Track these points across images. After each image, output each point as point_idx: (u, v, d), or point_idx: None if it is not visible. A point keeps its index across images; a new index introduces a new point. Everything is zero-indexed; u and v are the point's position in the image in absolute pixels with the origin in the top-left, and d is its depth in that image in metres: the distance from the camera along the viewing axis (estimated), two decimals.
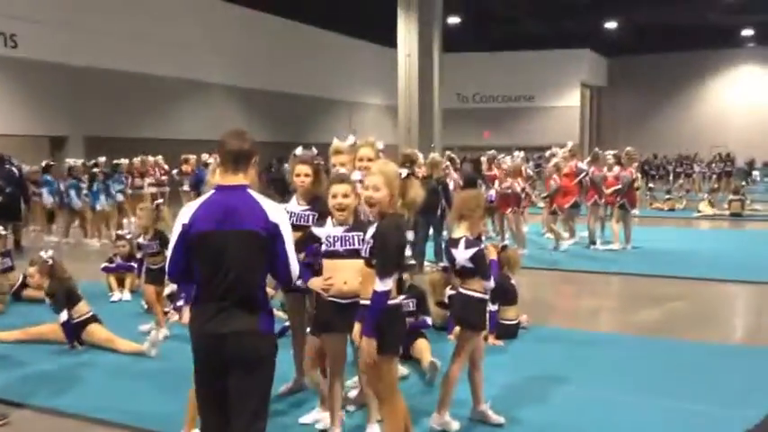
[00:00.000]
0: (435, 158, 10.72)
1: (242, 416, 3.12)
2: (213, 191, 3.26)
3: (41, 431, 4.80)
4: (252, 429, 3.14)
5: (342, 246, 4.05)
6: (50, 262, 6.48)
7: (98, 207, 14.13)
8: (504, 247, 7.02)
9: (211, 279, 3.10)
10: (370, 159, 4.70)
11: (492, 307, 6.18)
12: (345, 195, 4.12)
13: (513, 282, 6.76)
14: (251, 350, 3.11)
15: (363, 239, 3.85)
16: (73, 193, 13.90)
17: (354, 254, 3.99)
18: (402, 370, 5.35)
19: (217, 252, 3.08)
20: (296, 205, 4.74)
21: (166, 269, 3.29)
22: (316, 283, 4.08)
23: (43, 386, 5.48)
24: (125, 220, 15.00)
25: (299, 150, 4.81)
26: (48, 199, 14.26)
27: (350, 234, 4.06)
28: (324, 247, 4.11)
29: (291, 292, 4.85)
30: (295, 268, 3.23)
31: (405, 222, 3.73)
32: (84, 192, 14.07)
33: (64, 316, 6.32)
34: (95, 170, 14.58)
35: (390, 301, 3.63)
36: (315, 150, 4.90)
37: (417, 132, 23.00)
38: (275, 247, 3.14)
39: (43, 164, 15.31)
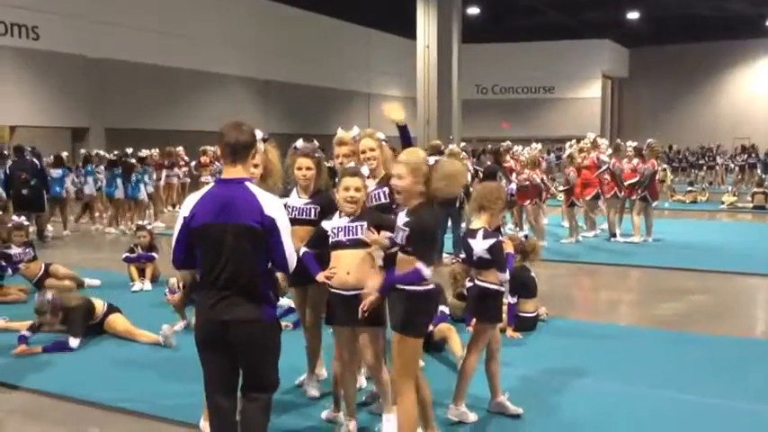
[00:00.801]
0: (454, 150, 10.71)
1: (246, 395, 3.37)
2: (213, 184, 3.38)
3: (60, 418, 4.85)
4: (255, 407, 3.38)
5: (345, 236, 4.04)
6: (58, 302, 6.31)
7: (140, 197, 14.40)
8: (525, 237, 7.01)
9: (212, 269, 3.24)
10: (372, 150, 4.60)
11: (511, 299, 6.17)
12: (357, 189, 4.10)
13: (532, 274, 6.74)
14: (254, 338, 3.27)
15: (365, 229, 3.97)
16: (119, 182, 14.21)
17: (358, 244, 4.01)
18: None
19: (216, 243, 3.21)
20: (297, 199, 4.66)
21: (171, 257, 3.41)
22: (320, 275, 4.07)
23: (63, 374, 5.56)
24: (149, 211, 15.24)
25: (299, 143, 4.72)
26: (92, 189, 14.54)
27: (354, 224, 4.05)
28: (330, 239, 4.10)
29: (296, 286, 4.83)
30: (292, 259, 3.34)
31: (433, 210, 3.81)
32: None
33: (75, 344, 6.17)
34: (133, 161, 14.82)
35: (424, 287, 3.71)
36: (316, 143, 4.82)
37: (436, 124, 22.96)
38: (271, 240, 3.24)
39: (63, 154, 15.46)
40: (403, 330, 3.72)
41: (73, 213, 15.15)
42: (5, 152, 13.82)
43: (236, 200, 3.21)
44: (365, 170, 4.43)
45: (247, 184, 3.28)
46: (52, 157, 14.49)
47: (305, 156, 4.64)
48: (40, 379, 5.44)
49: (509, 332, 6.30)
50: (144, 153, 15.88)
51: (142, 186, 14.44)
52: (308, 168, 4.62)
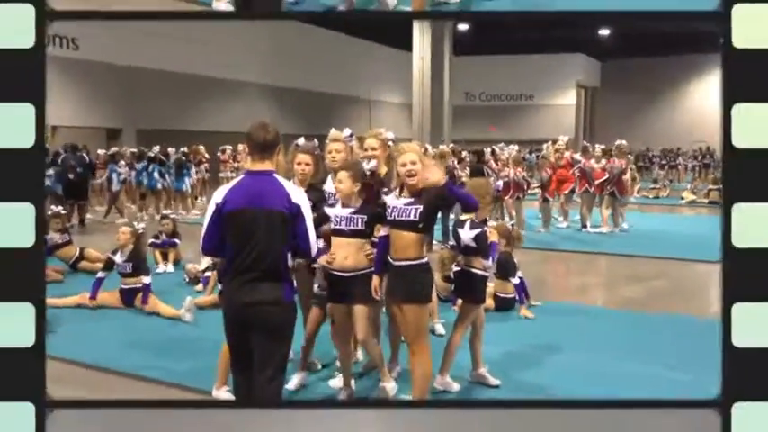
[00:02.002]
0: (444, 150, 10.69)
1: (262, 374, 3.20)
2: (243, 175, 3.32)
3: (84, 381, 4.83)
4: (270, 386, 3.22)
5: (347, 226, 4.01)
6: (142, 231, 6.82)
7: (184, 188, 14.69)
8: (513, 226, 7.07)
9: (240, 252, 3.15)
10: (373, 149, 4.39)
11: (516, 279, 6.46)
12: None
13: (516, 260, 6.71)
14: (271, 317, 3.17)
15: (365, 221, 3.97)
16: (156, 176, 14.34)
17: (356, 234, 4.00)
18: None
19: (246, 228, 3.14)
20: None
21: (200, 244, 3.32)
22: (322, 259, 4.04)
23: (87, 344, 5.55)
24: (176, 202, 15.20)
25: (301, 140, 4.69)
26: (157, 183, 14.43)
27: (355, 216, 4.01)
28: (332, 225, 4.08)
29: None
30: (314, 243, 3.29)
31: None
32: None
33: (148, 279, 6.57)
34: (183, 158, 15.07)
35: (423, 260, 3.79)
36: (316, 142, 4.79)
37: (429, 127, 22.92)
38: (297, 224, 3.20)
39: (114, 150, 15.49)
40: (409, 300, 3.75)
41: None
42: (66, 151, 13.75)
43: (266, 188, 3.19)
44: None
45: (275, 176, 3.27)
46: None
47: (305, 152, 4.60)
48: (66, 348, 5.32)
49: (522, 311, 6.48)
50: (185, 149, 16.03)
51: (187, 179, 14.69)
52: (307, 164, 4.56)
